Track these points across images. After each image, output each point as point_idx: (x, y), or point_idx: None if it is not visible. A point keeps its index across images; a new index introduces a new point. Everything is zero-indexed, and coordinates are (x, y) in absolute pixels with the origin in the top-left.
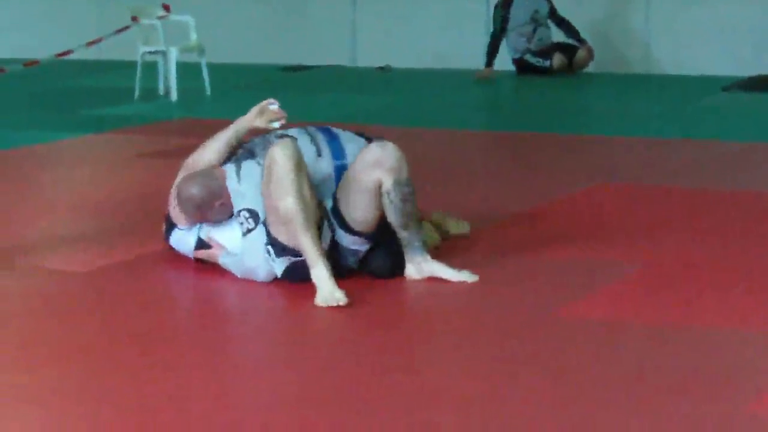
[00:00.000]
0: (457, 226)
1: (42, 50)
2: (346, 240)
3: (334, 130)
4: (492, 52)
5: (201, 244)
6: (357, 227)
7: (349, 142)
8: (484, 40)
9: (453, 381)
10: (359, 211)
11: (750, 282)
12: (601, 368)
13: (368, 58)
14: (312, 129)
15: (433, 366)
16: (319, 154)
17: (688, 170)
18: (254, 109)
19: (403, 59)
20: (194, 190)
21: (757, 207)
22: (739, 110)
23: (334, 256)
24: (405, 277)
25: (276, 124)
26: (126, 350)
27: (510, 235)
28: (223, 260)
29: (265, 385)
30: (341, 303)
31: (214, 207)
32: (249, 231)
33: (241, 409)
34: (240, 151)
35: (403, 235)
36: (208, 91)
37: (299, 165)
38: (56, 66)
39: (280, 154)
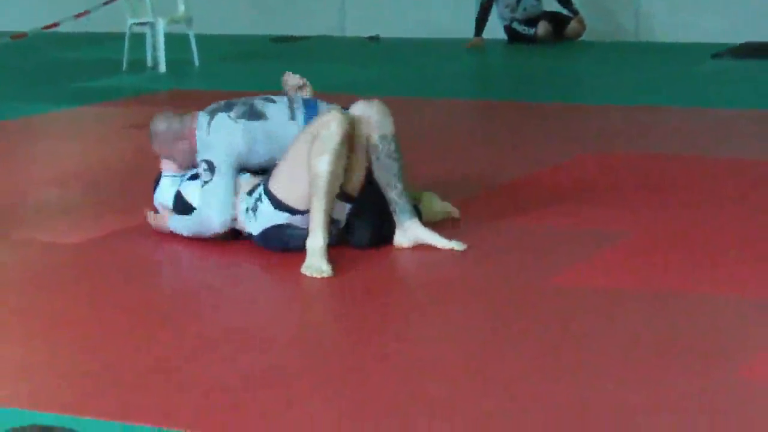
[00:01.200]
0: (443, 208)
1: (29, 23)
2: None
3: (316, 101)
4: (480, 21)
5: (178, 198)
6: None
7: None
8: (473, 10)
9: (447, 350)
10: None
11: (741, 248)
12: (595, 335)
13: (357, 28)
14: (296, 96)
15: (426, 335)
16: (292, 118)
17: (677, 138)
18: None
19: (392, 29)
20: (159, 125)
21: (746, 174)
22: (728, 77)
23: None
24: (393, 245)
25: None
26: (116, 322)
27: (500, 205)
28: (172, 224)
29: (255, 355)
30: (324, 275)
31: (177, 146)
32: (206, 182)
33: (231, 379)
34: (222, 103)
35: (390, 196)
36: (197, 63)
37: (345, 140)
38: (43, 38)
39: (335, 123)
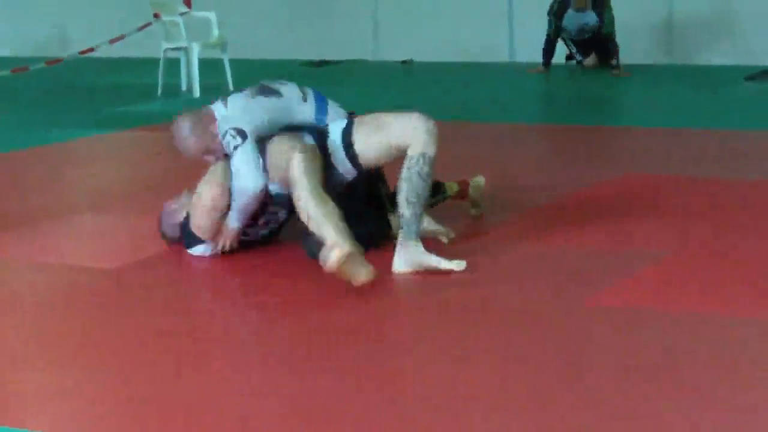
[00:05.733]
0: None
1: (65, 48)
2: (342, 165)
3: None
4: (547, 52)
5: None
6: (358, 158)
7: (333, 106)
8: (506, 34)
9: (479, 371)
10: (371, 149)
11: None
12: (631, 356)
13: (390, 53)
14: (305, 87)
15: (457, 356)
16: (304, 99)
17: (713, 160)
18: None
19: (425, 53)
20: (184, 125)
21: None
22: (763, 99)
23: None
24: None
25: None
26: (152, 347)
27: (538, 225)
28: (232, 221)
29: (288, 381)
30: (370, 277)
31: (210, 136)
32: (236, 147)
33: (267, 406)
34: (230, 90)
35: (405, 213)
36: (231, 87)
37: (316, 173)
38: (79, 64)
39: (296, 167)
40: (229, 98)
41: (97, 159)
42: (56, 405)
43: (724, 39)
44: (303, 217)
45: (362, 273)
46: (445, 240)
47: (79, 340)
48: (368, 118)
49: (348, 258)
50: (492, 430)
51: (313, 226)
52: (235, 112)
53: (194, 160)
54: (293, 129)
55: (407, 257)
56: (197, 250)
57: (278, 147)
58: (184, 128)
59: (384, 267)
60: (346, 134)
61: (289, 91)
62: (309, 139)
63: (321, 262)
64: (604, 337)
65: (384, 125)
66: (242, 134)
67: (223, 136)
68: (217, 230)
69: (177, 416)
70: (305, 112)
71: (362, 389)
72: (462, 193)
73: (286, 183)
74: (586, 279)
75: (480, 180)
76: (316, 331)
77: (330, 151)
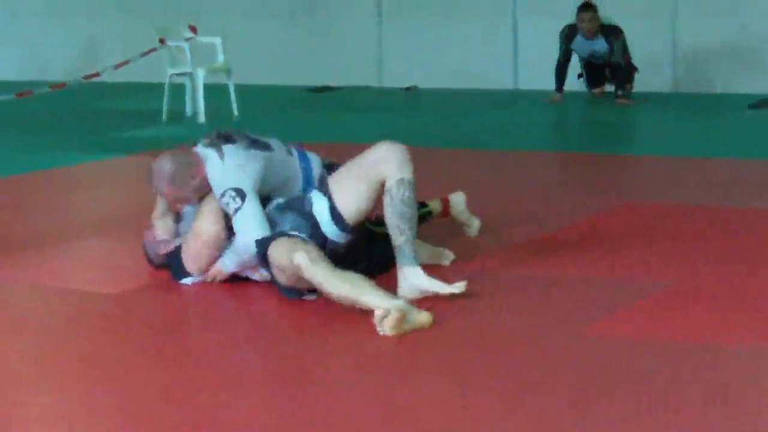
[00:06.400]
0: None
1: (69, 72)
2: (330, 229)
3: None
4: (559, 78)
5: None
6: (344, 215)
7: (311, 155)
8: (510, 60)
9: (476, 399)
10: (352, 199)
11: None
12: (630, 386)
13: (395, 79)
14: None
15: (455, 384)
16: (289, 153)
17: (717, 188)
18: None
19: (429, 79)
20: (167, 166)
21: None
22: (766, 127)
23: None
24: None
25: None
26: (155, 371)
27: (537, 254)
28: (225, 265)
29: (288, 404)
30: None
31: (191, 184)
32: (236, 210)
33: (269, 421)
34: (214, 134)
35: (398, 240)
36: (236, 113)
37: (322, 258)
38: (84, 88)
39: (305, 263)
40: (225, 150)
41: (102, 183)
42: (58, 428)
43: (727, 67)
44: (335, 299)
45: (423, 322)
46: (446, 263)
47: (81, 363)
48: (339, 174)
49: (400, 318)
50: None
51: (350, 303)
52: (231, 169)
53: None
54: (285, 208)
55: (408, 284)
56: (186, 281)
57: (278, 252)
58: (165, 175)
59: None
60: (332, 207)
61: (276, 144)
62: (303, 236)
63: (379, 331)
64: (605, 366)
65: (354, 171)
66: (242, 195)
67: (221, 196)
68: (210, 263)
69: None
70: (292, 164)
71: (359, 415)
72: (445, 212)
73: (294, 281)
74: (587, 308)
75: (458, 196)
76: (314, 357)
77: (322, 230)
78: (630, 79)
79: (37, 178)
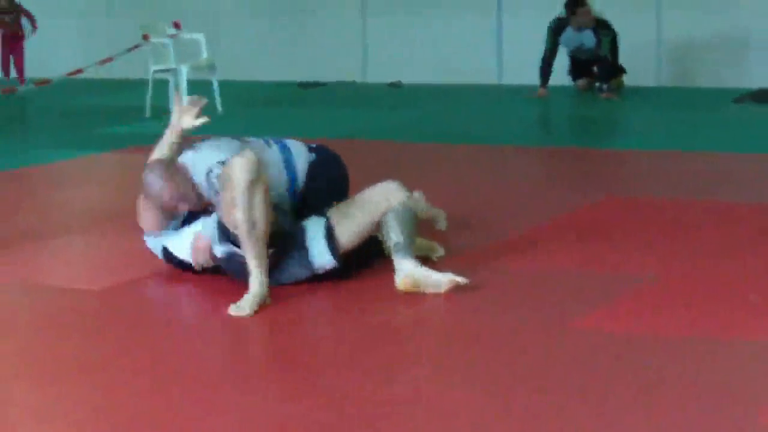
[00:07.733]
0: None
1: (53, 69)
2: (319, 259)
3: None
4: (544, 73)
5: (166, 254)
6: (340, 239)
7: (294, 144)
8: (494, 55)
9: (462, 393)
10: (354, 236)
11: (764, 293)
12: (613, 380)
13: (379, 74)
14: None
15: (441, 378)
16: (267, 145)
17: (700, 183)
18: (176, 111)
19: (413, 75)
20: (157, 167)
21: None
22: (750, 122)
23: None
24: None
25: (198, 122)
26: (139, 367)
27: (521, 249)
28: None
29: (280, 402)
30: (241, 314)
31: (187, 179)
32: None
33: (255, 422)
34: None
35: (400, 240)
36: (220, 109)
37: (255, 181)
38: (67, 85)
39: (237, 169)
40: (195, 144)
41: (85, 180)
42: (42, 427)
43: (712, 62)
44: (233, 226)
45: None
46: (435, 257)
47: (65, 361)
48: (343, 209)
49: (254, 303)
50: None
51: (243, 244)
52: (207, 149)
53: (166, 209)
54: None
55: (408, 275)
56: (159, 243)
57: (233, 165)
58: (158, 175)
59: (381, 287)
60: (329, 234)
61: (252, 138)
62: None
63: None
64: (589, 360)
65: (357, 202)
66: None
67: (207, 174)
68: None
69: None
70: (271, 153)
71: (356, 412)
72: None
73: (227, 210)
74: (571, 302)
75: (416, 195)
76: (309, 353)
77: (310, 260)
78: (619, 83)
79: (20, 175)
